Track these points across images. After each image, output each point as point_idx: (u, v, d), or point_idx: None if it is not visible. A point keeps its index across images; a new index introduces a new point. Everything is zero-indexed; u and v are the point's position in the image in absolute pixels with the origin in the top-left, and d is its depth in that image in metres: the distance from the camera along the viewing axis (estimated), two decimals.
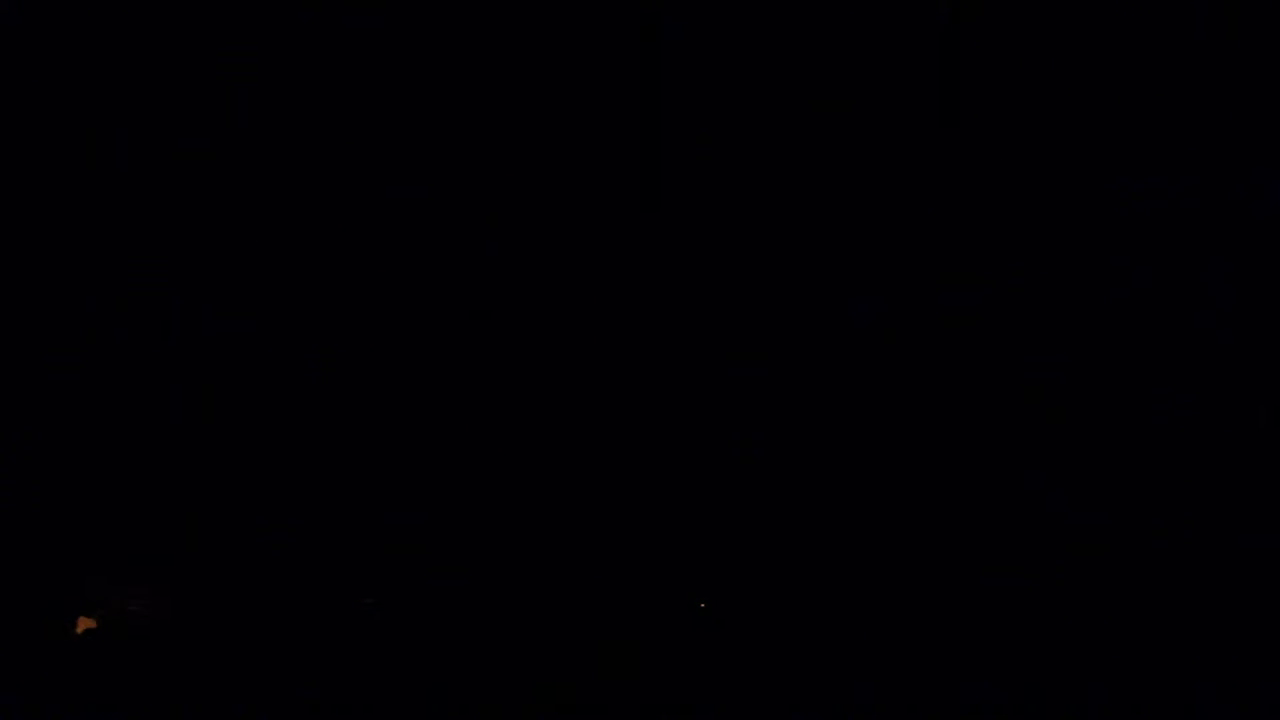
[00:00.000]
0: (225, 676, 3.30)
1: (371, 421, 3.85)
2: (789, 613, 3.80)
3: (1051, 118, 3.63)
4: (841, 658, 3.34)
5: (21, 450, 3.69)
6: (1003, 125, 3.59)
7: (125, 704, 3.18)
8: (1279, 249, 3.55)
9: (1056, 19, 3.52)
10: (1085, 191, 3.58)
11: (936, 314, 3.66)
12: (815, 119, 3.60)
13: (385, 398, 3.84)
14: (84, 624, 3.79)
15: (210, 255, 3.70)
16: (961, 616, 3.55)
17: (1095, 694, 3.03)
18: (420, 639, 3.59)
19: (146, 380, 3.79)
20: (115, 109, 3.48)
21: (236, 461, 3.84)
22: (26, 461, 3.71)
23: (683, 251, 3.69)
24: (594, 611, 3.74)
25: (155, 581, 3.88)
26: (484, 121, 3.56)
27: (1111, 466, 3.70)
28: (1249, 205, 3.54)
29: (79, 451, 3.83)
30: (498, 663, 3.36)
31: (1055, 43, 3.55)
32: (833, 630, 3.61)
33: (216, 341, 3.76)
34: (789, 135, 3.64)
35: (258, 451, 3.83)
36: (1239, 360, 3.63)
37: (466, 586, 3.92)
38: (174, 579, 3.91)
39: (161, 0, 3.36)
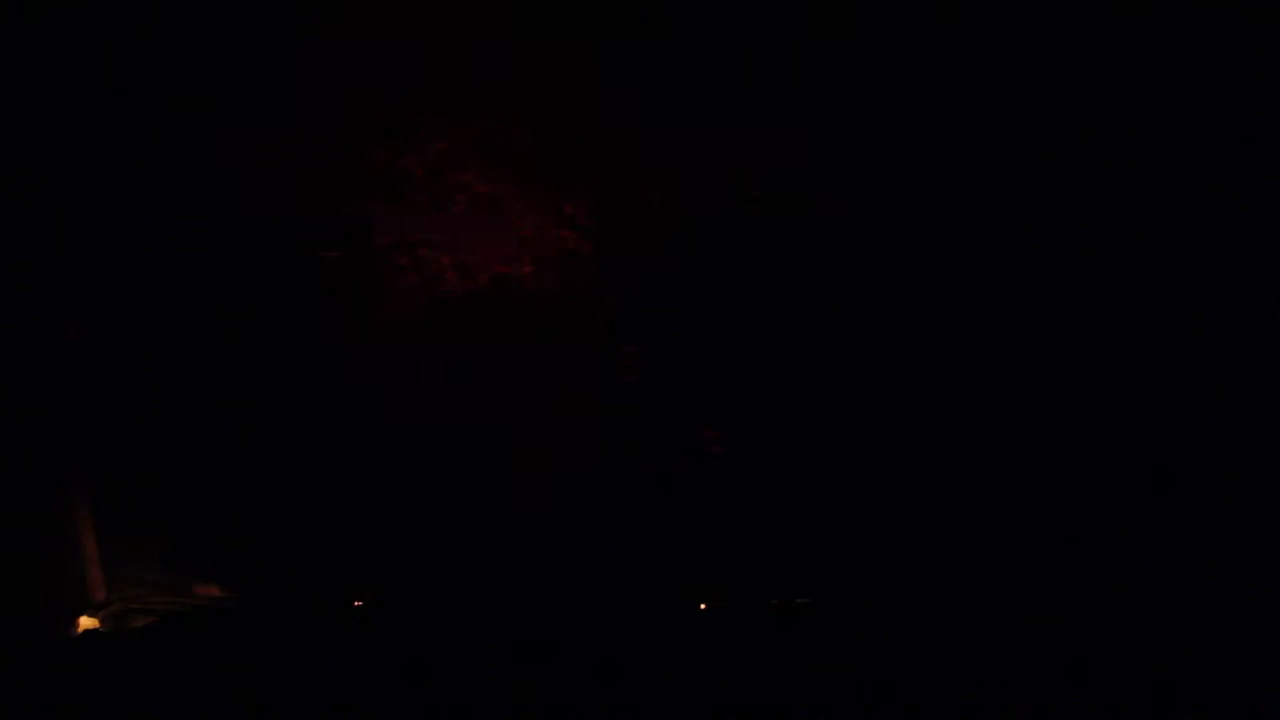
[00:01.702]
0: (221, 675, 3.30)
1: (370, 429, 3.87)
2: (791, 614, 3.81)
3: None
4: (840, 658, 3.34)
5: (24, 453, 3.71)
6: None
7: (125, 703, 3.18)
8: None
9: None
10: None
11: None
12: None
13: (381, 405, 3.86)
14: (84, 624, 3.82)
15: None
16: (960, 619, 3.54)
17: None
18: (415, 639, 3.59)
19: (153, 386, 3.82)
20: None
21: (235, 467, 3.86)
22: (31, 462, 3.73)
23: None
24: (593, 612, 3.75)
25: (154, 579, 3.91)
26: None
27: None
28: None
29: (82, 454, 3.86)
30: (495, 664, 3.36)
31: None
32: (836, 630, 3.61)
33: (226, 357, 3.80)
34: None
35: (255, 458, 3.85)
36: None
37: (462, 588, 3.94)
38: (174, 578, 3.94)
39: None
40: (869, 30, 3.64)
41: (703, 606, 3.87)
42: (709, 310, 3.83)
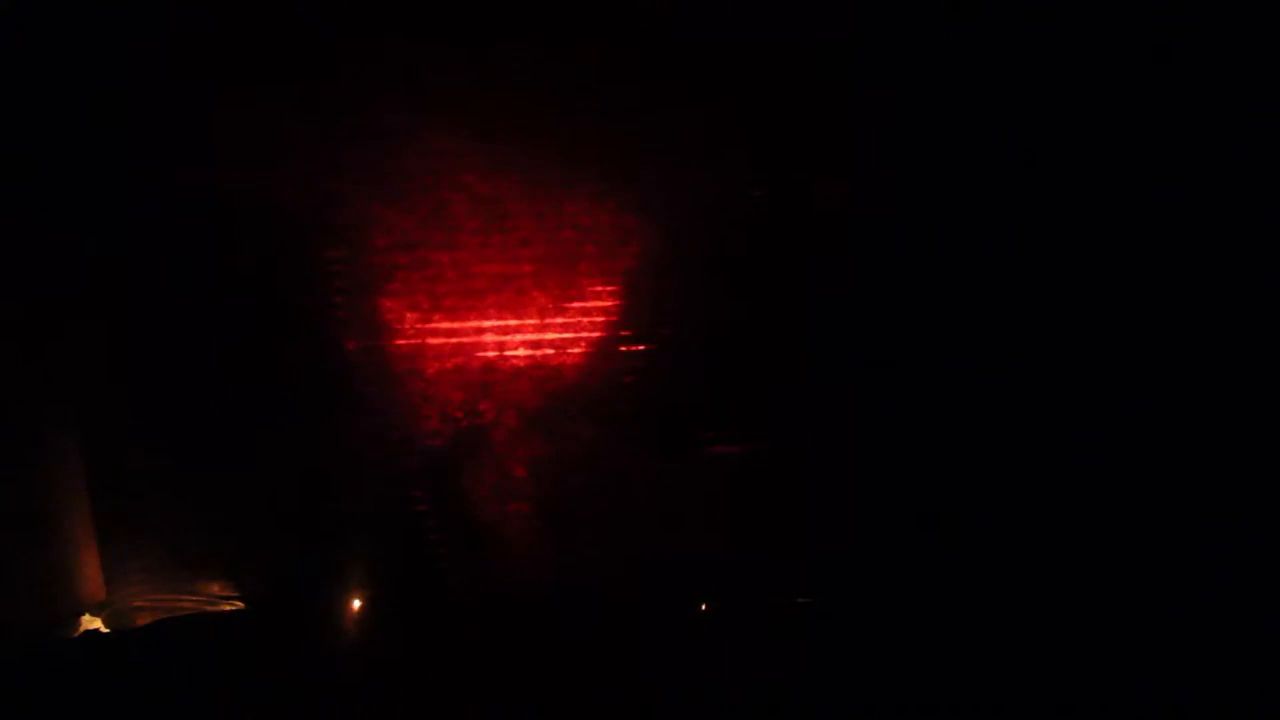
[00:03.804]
0: (221, 675, 3.31)
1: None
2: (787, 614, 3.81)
3: None
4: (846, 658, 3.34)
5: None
6: None
7: (125, 703, 3.18)
8: None
9: None
10: None
11: None
12: None
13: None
14: (84, 624, 3.82)
15: None
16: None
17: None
18: (414, 639, 3.59)
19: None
20: None
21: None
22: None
23: None
24: (593, 612, 3.75)
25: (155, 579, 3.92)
26: None
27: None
28: None
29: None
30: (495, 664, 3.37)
31: None
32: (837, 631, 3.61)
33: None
34: None
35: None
36: None
37: (461, 588, 3.94)
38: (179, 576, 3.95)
39: None
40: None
41: (703, 607, 3.87)
42: (709, 309, 3.83)
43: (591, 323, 3.86)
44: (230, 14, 3.58)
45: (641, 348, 3.86)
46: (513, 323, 3.86)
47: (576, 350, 3.86)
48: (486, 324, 3.85)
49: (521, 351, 3.87)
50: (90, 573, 3.85)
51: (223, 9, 3.57)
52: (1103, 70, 3.60)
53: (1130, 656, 3.17)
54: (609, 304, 3.85)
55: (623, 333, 3.86)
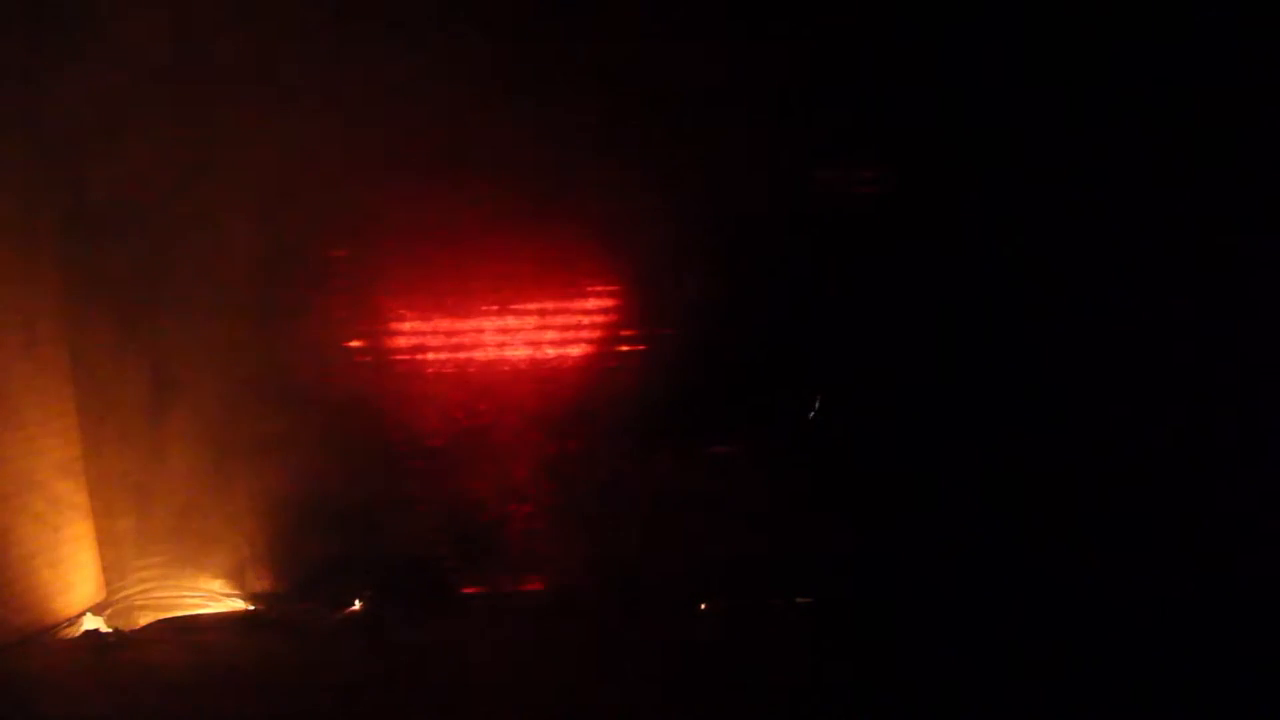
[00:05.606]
0: (222, 675, 3.31)
1: None
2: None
3: None
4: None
5: None
6: None
7: (125, 703, 3.18)
8: None
9: None
10: None
11: None
12: None
13: None
14: (85, 624, 3.81)
15: None
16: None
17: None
18: (415, 639, 3.59)
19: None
20: None
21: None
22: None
23: None
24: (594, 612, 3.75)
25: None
26: None
27: None
28: None
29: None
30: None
31: None
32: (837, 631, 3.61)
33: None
34: None
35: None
36: None
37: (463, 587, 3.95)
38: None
39: None
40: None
41: (703, 606, 3.87)
42: (709, 309, 3.83)
43: (591, 323, 3.86)
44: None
45: (642, 348, 3.87)
46: (513, 323, 3.86)
47: (576, 350, 3.87)
48: (486, 324, 3.85)
49: (521, 351, 3.87)
50: (90, 573, 3.86)
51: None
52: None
53: (1126, 655, 3.18)
54: (609, 304, 3.86)
55: (623, 333, 3.86)
